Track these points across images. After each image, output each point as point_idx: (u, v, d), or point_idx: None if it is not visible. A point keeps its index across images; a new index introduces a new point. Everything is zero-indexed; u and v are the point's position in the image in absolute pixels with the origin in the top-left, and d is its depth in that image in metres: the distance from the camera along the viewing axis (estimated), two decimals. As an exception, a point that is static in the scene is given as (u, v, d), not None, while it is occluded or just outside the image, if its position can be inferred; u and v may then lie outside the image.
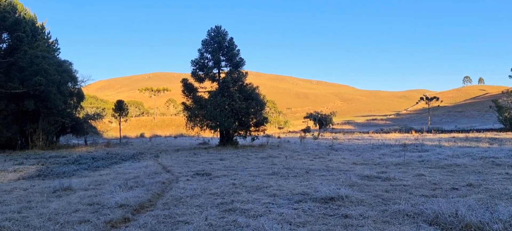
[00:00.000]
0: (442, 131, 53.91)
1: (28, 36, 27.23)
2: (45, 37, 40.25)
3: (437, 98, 77.68)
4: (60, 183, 9.43)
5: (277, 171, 11.68)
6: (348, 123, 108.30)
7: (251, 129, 27.15)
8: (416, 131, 53.21)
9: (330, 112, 55.60)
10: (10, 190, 9.08)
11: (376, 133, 56.60)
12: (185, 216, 6.26)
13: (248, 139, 27.75)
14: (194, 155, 19.29)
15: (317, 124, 51.48)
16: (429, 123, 76.88)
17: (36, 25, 37.56)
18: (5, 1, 31.42)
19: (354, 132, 62.06)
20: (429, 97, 79.04)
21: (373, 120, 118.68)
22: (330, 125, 51.99)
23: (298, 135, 50.05)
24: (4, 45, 27.13)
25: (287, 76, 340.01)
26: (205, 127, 26.34)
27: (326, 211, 6.47)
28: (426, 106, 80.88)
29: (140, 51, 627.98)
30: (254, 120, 26.93)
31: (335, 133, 55.02)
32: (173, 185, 9.69)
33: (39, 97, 26.77)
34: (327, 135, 47.40)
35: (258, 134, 27.77)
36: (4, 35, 27.51)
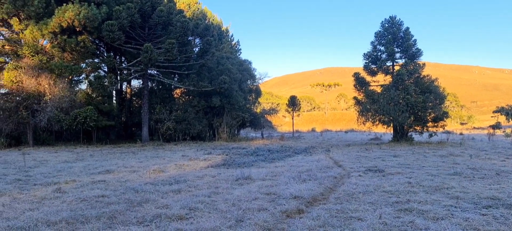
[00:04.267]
0: None
1: (215, 40, 30.77)
2: (229, 39, 44.77)
3: None
4: (242, 172, 10.32)
5: (459, 171, 10.54)
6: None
7: (428, 125, 25.12)
8: None
9: (528, 106, 47.61)
10: (202, 177, 10.34)
11: None
12: (358, 213, 6.15)
13: (425, 135, 25.76)
14: (366, 151, 18.85)
15: (510, 119, 44.68)
16: None
17: (222, 29, 42.11)
18: (197, 10, 36.01)
19: (561, 129, 51.80)
20: None
21: None
22: (528, 120, 44.60)
23: (485, 131, 44.24)
24: (197, 49, 31.12)
25: (472, 66, 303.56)
26: (377, 122, 25.44)
27: (525, 221, 5.55)
28: None
29: (312, 48, 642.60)
30: (432, 115, 24.81)
31: (535, 130, 46.88)
32: (344, 180, 9.64)
33: (223, 94, 29.94)
34: (524, 133, 40.72)
35: (436, 130, 25.54)
36: (197, 40, 31.61)
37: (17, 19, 23.78)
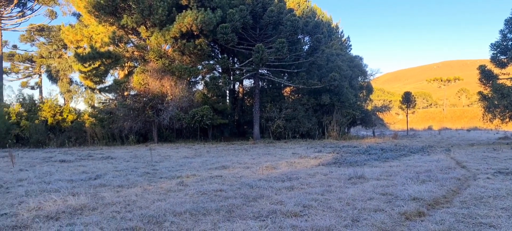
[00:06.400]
0: None
1: (325, 37, 30.48)
2: (339, 36, 44.05)
3: None
4: (354, 171, 10.06)
5: None
6: None
7: None
8: None
9: None
10: (313, 174, 10.31)
11: None
12: (489, 218, 5.57)
13: None
14: (494, 151, 17.02)
15: None
16: None
17: (332, 26, 41.63)
18: (307, 8, 36.08)
19: None
20: None
21: None
22: None
23: None
24: (306, 47, 31.16)
25: None
26: (507, 119, 22.87)
27: None
28: None
29: (428, 41, 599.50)
30: None
31: None
32: (470, 182, 8.83)
33: (333, 91, 29.52)
34: None
35: None
36: (306, 38, 31.66)
37: (144, 27, 26.32)
